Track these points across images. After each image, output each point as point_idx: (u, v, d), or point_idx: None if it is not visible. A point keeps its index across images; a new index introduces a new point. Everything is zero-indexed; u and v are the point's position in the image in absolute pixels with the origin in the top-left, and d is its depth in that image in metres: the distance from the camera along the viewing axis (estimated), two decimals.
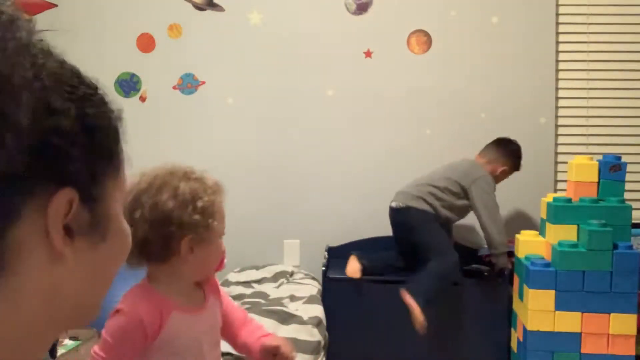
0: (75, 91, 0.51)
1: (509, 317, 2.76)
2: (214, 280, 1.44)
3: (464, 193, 2.90)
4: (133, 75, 3.31)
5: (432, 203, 2.87)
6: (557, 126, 3.27)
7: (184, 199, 1.27)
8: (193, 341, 1.30)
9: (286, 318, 2.53)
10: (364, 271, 2.84)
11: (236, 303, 2.76)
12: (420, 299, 2.66)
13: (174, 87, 3.31)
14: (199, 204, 1.28)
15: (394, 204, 2.91)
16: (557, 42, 3.25)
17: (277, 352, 1.38)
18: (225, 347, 2.42)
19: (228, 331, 1.46)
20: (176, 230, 1.25)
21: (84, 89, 0.52)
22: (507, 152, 2.99)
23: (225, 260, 1.45)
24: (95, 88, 0.55)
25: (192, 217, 1.26)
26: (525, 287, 2.51)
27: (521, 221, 3.06)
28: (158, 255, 1.27)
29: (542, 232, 2.67)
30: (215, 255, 1.36)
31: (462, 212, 2.97)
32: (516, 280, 2.69)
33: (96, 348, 1.25)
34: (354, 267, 2.85)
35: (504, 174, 2.99)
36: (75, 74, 0.53)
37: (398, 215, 2.91)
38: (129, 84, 3.31)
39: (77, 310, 0.54)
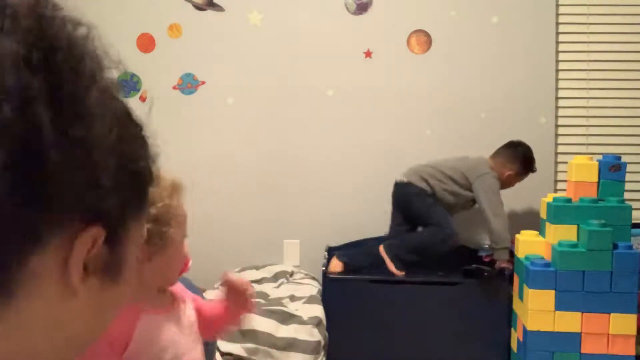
0: (129, 131, 0.50)
1: (509, 317, 2.76)
2: (176, 287, 1.36)
3: (469, 185, 2.94)
4: (133, 75, 3.31)
5: (432, 185, 2.95)
6: (557, 126, 3.27)
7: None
8: (168, 341, 1.24)
9: (286, 318, 2.53)
10: (346, 265, 2.90)
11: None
12: (390, 253, 2.86)
13: (174, 87, 3.31)
14: (152, 211, 1.18)
15: (397, 178, 3.01)
16: (557, 42, 3.25)
17: (236, 285, 1.35)
18: (225, 347, 2.42)
19: (207, 324, 1.39)
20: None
21: (134, 130, 0.51)
22: (513, 156, 3.00)
23: (190, 263, 1.35)
24: (142, 128, 0.54)
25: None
26: (525, 287, 2.51)
27: (521, 221, 3.06)
28: None
29: (542, 232, 2.67)
30: (177, 261, 1.27)
31: (466, 202, 3.00)
32: (516, 280, 2.69)
33: None
34: (334, 264, 2.91)
35: (511, 179, 2.99)
36: (127, 111, 0.53)
37: (397, 189, 3.03)
38: (129, 84, 3.31)
39: (70, 347, 0.53)
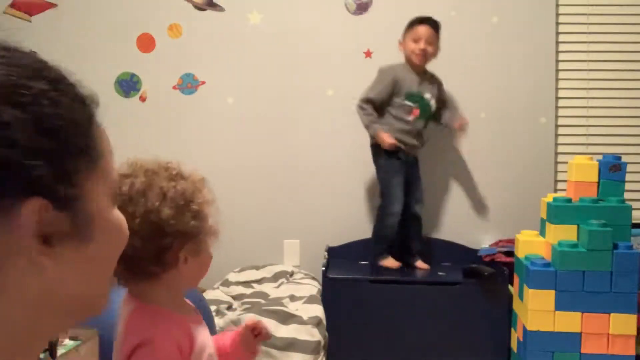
0: (27, 92, 0.48)
1: (509, 317, 2.76)
2: None
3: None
4: (133, 75, 3.31)
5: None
6: (557, 126, 3.27)
7: (178, 204, 1.08)
8: (210, 350, 1.17)
9: (286, 318, 2.53)
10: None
11: (236, 303, 2.78)
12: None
13: (174, 87, 3.31)
14: (194, 207, 1.10)
15: None
16: (557, 42, 3.25)
17: (257, 327, 1.27)
18: None
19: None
20: (173, 241, 1.08)
21: (40, 85, 0.49)
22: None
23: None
24: (56, 80, 0.52)
25: (190, 224, 1.09)
26: (525, 287, 2.51)
27: (521, 221, 3.05)
28: (149, 272, 1.09)
29: (542, 232, 2.67)
30: (208, 261, 1.18)
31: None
32: (516, 280, 2.69)
33: None
34: (392, 262, 3.00)
35: (407, 46, 3.00)
36: (33, 69, 0.50)
37: None
38: (129, 84, 3.31)
39: (80, 304, 0.54)
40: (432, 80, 3.06)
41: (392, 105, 3.00)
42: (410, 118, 2.98)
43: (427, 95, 3.01)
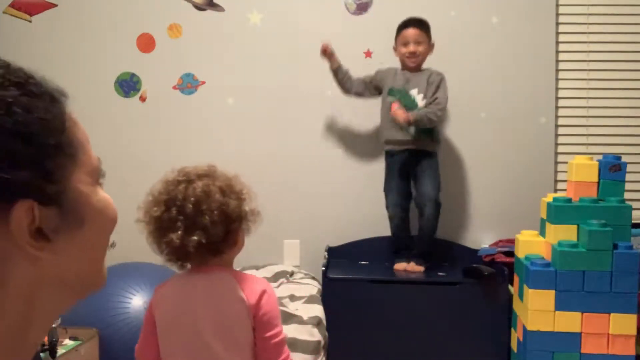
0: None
1: (509, 317, 2.76)
2: None
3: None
4: (133, 75, 3.31)
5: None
6: (557, 126, 3.27)
7: (237, 196, 1.46)
8: None
9: (286, 318, 2.53)
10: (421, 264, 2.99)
11: None
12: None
13: (174, 87, 3.31)
14: (243, 196, 1.48)
15: None
16: (557, 42, 3.25)
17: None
18: None
19: None
20: (238, 225, 1.46)
21: (10, 93, 0.51)
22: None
23: None
24: (24, 83, 0.53)
25: (245, 209, 1.48)
26: (525, 287, 2.51)
27: (521, 221, 3.05)
28: (221, 250, 1.47)
29: (542, 232, 2.67)
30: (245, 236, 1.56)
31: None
32: (516, 280, 2.69)
33: (278, 329, 1.45)
34: (398, 265, 3.00)
35: (399, 49, 3.03)
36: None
37: None
38: (129, 84, 3.31)
39: (78, 284, 0.57)
40: (429, 78, 2.98)
41: (382, 105, 3.05)
42: (391, 112, 2.97)
43: (413, 91, 2.96)
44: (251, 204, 1.51)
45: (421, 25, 3.00)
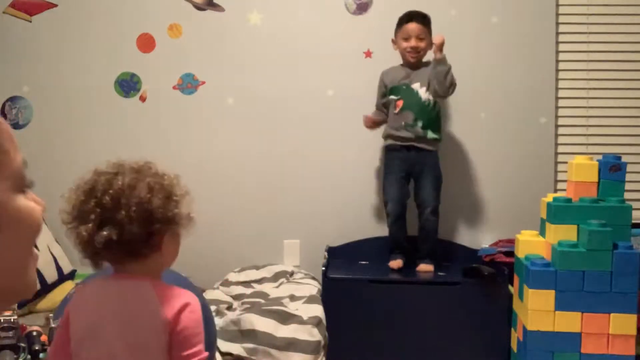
0: None
1: (509, 317, 2.76)
2: None
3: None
4: (133, 75, 3.31)
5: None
6: (557, 126, 3.27)
7: (164, 195, 1.29)
8: None
9: (286, 318, 2.53)
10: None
11: (236, 303, 2.77)
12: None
13: (174, 87, 3.31)
14: (175, 198, 1.31)
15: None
16: (557, 42, 3.25)
17: None
18: (225, 347, 2.42)
19: None
20: (163, 227, 1.28)
21: None
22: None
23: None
24: None
25: (173, 212, 1.30)
26: (525, 287, 2.51)
27: (521, 221, 3.05)
28: (141, 253, 1.28)
29: (542, 232, 2.67)
30: (179, 245, 1.36)
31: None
32: (516, 280, 2.69)
33: (197, 349, 1.26)
34: (394, 263, 2.99)
35: (400, 45, 3.02)
36: None
37: None
38: (129, 84, 3.31)
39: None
40: (428, 70, 3.00)
41: (388, 105, 3.06)
42: (396, 110, 3.00)
43: (416, 85, 2.99)
44: (185, 207, 1.32)
45: (424, 20, 3.00)
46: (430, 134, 2.98)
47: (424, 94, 2.98)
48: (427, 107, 2.99)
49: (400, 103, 2.98)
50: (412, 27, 2.97)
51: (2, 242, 0.53)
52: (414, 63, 3.01)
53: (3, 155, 0.55)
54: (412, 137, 2.97)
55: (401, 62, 3.08)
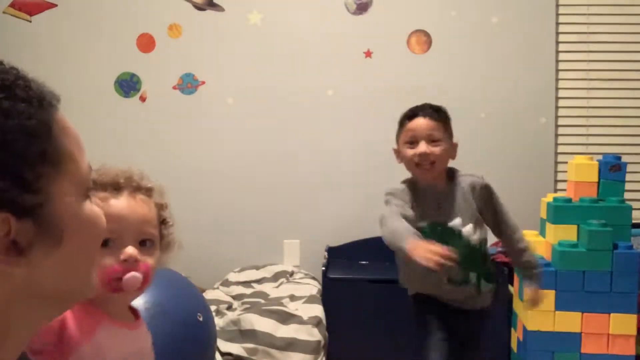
0: None
1: (509, 317, 2.76)
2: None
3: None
4: (133, 75, 3.31)
5: None
6: (557, 126, 3.27)
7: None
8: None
9: (286, 318, 2.53)
10: None
11: (236, 303, 2.77)
12: None
13: (174, 87, 3.31)
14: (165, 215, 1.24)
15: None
16: (557, 42, 3.25)
17: None
18: (225, 347, 2.42)
19: None
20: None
21: None
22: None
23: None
24: (8, 86, 0.51)
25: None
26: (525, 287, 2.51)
27: (521, 221, 3.04)
28: None
29: (542, 232, 2.67)
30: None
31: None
32: (516, 280, 2.68)
33: None
34: None
35: (400, 150, 2.06)
36: None
37: None
38: (129, 84, 3.31)
39: (59, 297, 0.55)
40: (465, 191, 2.04)
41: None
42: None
43: (456, 222, 1.97)
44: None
45: (436, 114, 2.02)
46: (485, 285, 2.03)
47: (472, 235, 1.97)
48: (479, 252, 1.99)
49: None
50: (419, 123, 1.99)
51: (71, 249, 0.53)
52: (429, 180, 2.00)
53: (71, 160, 0.54)
54: (461, 298, 2.02)
55: (409, 174, 2.06)
